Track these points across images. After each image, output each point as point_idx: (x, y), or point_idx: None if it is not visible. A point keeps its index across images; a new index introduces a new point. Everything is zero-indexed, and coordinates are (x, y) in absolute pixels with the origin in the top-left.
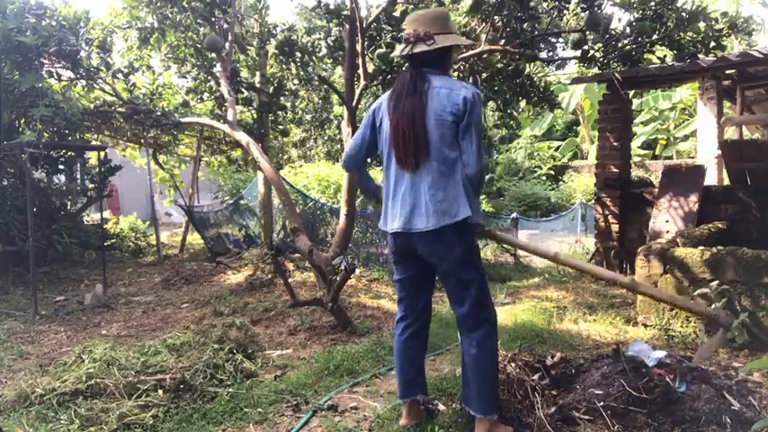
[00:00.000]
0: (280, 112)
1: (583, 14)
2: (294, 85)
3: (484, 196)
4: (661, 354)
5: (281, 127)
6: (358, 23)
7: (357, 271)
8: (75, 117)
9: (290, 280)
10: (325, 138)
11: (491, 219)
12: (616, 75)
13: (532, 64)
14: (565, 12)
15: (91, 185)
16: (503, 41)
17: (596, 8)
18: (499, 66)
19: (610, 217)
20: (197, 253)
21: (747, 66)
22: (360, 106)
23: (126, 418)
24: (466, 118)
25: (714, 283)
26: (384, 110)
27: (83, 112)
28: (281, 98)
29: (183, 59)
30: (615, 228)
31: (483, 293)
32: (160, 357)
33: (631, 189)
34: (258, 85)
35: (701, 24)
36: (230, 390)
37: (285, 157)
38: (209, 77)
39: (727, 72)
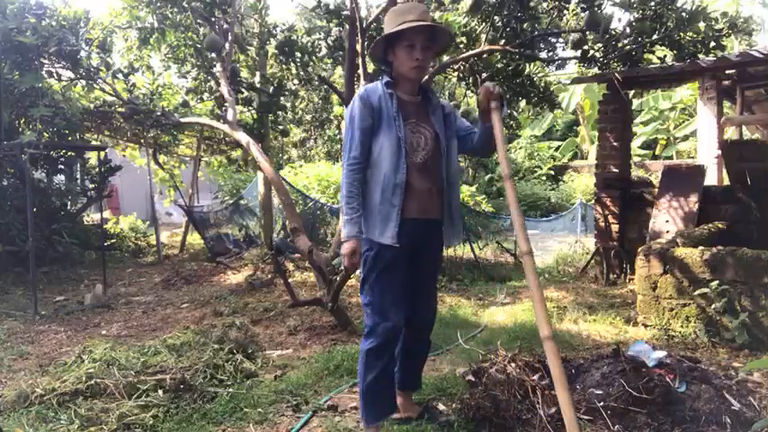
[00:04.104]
0: (280, 112)
1: (583, 14)
2: (294, 85)
3: (484, 196)
4: (661, 354)
5: (280, 127)
6: (358, 23)
7: (357, 271)
8: (75, 117)
9: (290, 280)
10: (326, 138)
11: (491, 218)
12: (616, 75)
13: (532, 64)
14: (565, 12)
15: (91, 185)
16: (503, 41)
17: (596, 8)
18: (499, 66)
19: (610, 217)
20: (197, 253)
21: (747, 66)
22: None
23: (126, 418)
24: None
25: (714, 283)
26: None
27: (83, 112)
28: (281, 98)
29: (183, 59)
30: (615, 228)
31: (366, 310)
32: (160, 357)
33: (631, 189)
34: (258, 85)
35: (701, 24)
36: (230, 390)
37: (285, 157)
38: (209, 77)
39: (727, 72)
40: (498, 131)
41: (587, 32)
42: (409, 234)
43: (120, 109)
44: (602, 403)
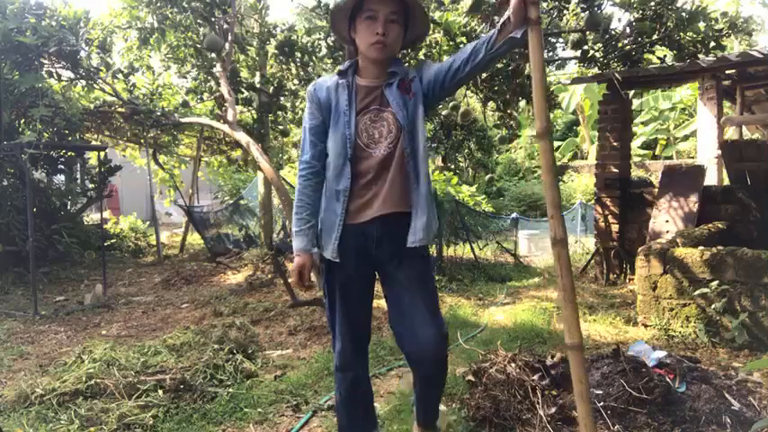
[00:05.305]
0: (280, 112)
1: (583, 14)
2: (294, 85)
3: (484, 196)
4: (661, 354)
5: (280, 127)
6: None
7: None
8: (75, 117)
9: (289, 280)
10: None
11: (491, 218)
12: (616, 75)
13: None
14: (565, 12)
15: (91, 185)
16: None
17: (596, 8)
18: (499, 66)
19: (610, 217)
20: (197, 253)
21: (747, 66)
22: None
23: (126, 418)
24: None
25: (714, 283)
26: None
27: (83, 112)
28: (281, 98)
29: (183, 59)
30: (615, 228)
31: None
32: (160, 357)
33: (631, 189)
34: (258, 85)
35: (701, 24)
36: (230, 390)
37: (285, 157)
38: (209, 77)
39: (727, 72)
40: (538, 56)
41: (587, 32)
42: (360, 242)
43: (120, 109)
44: (602, 403)
